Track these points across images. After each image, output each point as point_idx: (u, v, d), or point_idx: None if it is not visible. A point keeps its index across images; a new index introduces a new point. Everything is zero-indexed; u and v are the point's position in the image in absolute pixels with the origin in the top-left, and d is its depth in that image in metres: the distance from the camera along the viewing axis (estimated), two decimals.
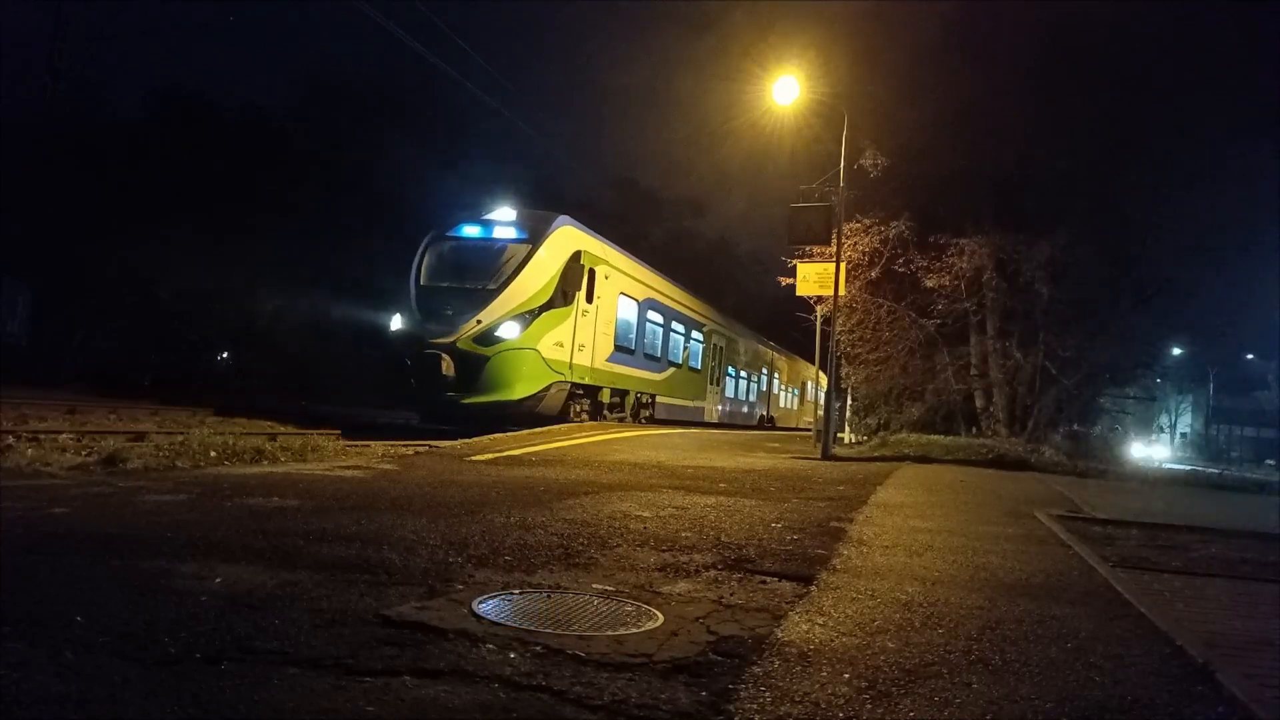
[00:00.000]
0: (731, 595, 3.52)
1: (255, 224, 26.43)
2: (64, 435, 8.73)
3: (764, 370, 32.84)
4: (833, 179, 15.25)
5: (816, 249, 16.43)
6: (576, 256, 14.88)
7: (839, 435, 19.13)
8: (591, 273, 15.43)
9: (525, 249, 14.14)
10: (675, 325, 21.27)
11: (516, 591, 3.34)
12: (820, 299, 16.80)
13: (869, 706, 2.32)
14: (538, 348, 13.59)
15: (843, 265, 14.64)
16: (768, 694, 2.36)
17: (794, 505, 6.75)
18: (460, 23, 57.21)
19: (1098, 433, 20.96)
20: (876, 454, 15.18)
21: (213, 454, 7.26)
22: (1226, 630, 3.49)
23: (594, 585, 3.54)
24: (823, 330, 17.31)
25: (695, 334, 23.17)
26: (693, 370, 23.11)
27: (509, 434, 12.02)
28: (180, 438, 7.53)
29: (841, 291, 14.73)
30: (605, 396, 16.80)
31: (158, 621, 2.63)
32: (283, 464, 7.33)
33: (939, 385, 18.76)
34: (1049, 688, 2.60)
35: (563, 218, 15.15)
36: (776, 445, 15.96)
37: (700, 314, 23.83)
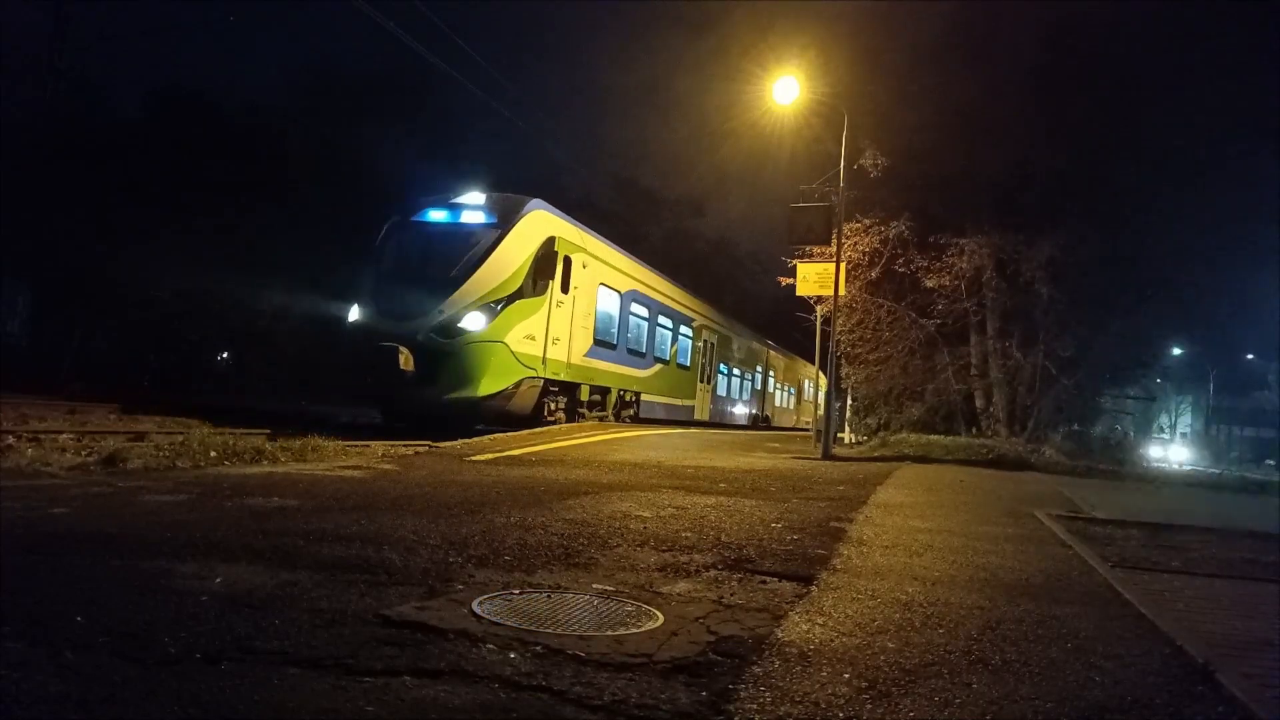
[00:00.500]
0: (732, 595, 3.52)
1: (255, 224, 26.44)
2: (64, 435, 8.73)
3: (758, 368, 31.86)
4: (833, 179, 15.28)
5: (816, 249, 16.44)
6: (550, 242, 13.80)
7: (839, 435, 19.14)
8: (567, 260, 14.35)
9: (493, 234, 13.15)
10: (662, 319, 20.30)
11: (517, 591, 3.34)
12: (820, 299, 16.79)
13: (869, 706, 2.32)
14: (506, 340, 12.54)
15: (843, 265, 14.65)
16: (768, 694, 2.36)
17: (794, 505, 6.75)
18: (460, 23, 57.23)
19: (1100, 433, 20.94)
20: (876, 454, 15.19)
21: (213, 454, 7.25)
22: (1226, 630, 3.49)
23: (594, 585, 3.54)
24: (823, 330, 17.30)
25: (684, 329, 22.18)
26: (681, 367, 22.18)
27: (509, 434, 12.02)
28: (180, 438, 7.53)
29: (841, 291, 14.73)
30: (584, 394, 15.76)
31: (158, 621, 2.63)
32: (283, 464, 7.33)
33: (939, 385, 18.77)
34: (1049, 688, 2.60)
35: (535, 201, 14.16)
36: (776, 445, 15.96)
37: (689, 308, 22.89)
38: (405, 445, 9.70)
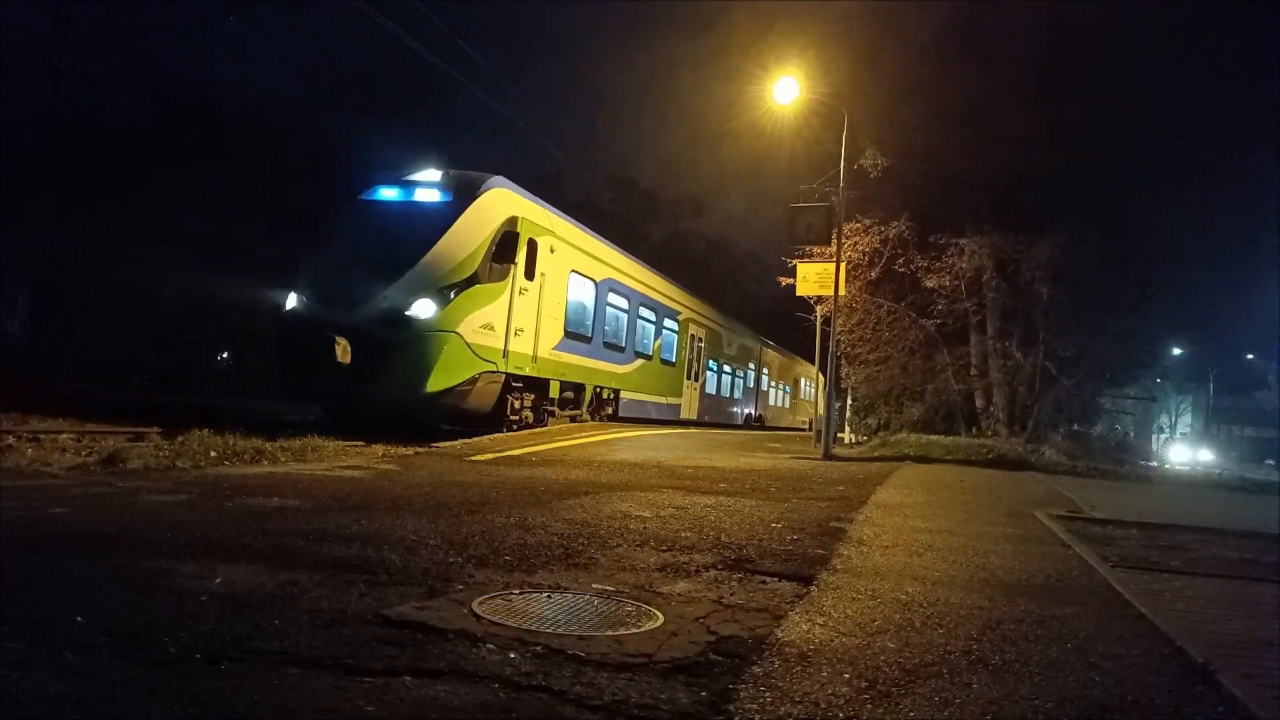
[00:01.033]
0: (731, 595, 3.52)
1: (256, 224, 26.45)
2: (64, 435, 8.72)
3: (751, 365, 30.29)
4: (833, 179, 15.29)
5: (816, 249, 16.46)
6: (512, 223, 12.37)
7: (839, 435, 19.14)
8: (532, 243, 12.94)
9: (447, 213, 11.89)
10: (644, 312, 18.90)
11: (517, 591, 3.34)
12: (820, 299, 16.81)
13: (869, 706, 2.32)
14: (459, 330, 11.21)
15: (843, 265, 14.66)
16: (768, 694, 2.36)
17: (794, 505, 6.75)
18: (460, 23, 57.27)
19: (1101, 433, 20.96)
20: (876, 454, 15.19)
21: (213, 454, 7.26)
22: (1226, 630, 3.49)
23: (594, 585, 3.54)
24: (823, 330, 17.32)
25: (669, 323, 20.80)
26: (666, 363, 20.74)
27: (509, 434, 12.02)
28: (180, 438, 7.53)
29: (841, 291, 14.74)
30: (553, 391, 14.39)
31: (158, 621, 2.63)
32: (283, 464, 7.33)
33: (939, 385, 18.79)
34: (1049, 688, 2.60)
35: (497, 178, 12.82)
36: (776, 445, 15.96)
37: (675, 300, 21.54)
38: (404, 445, 9.70)
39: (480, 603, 3.10)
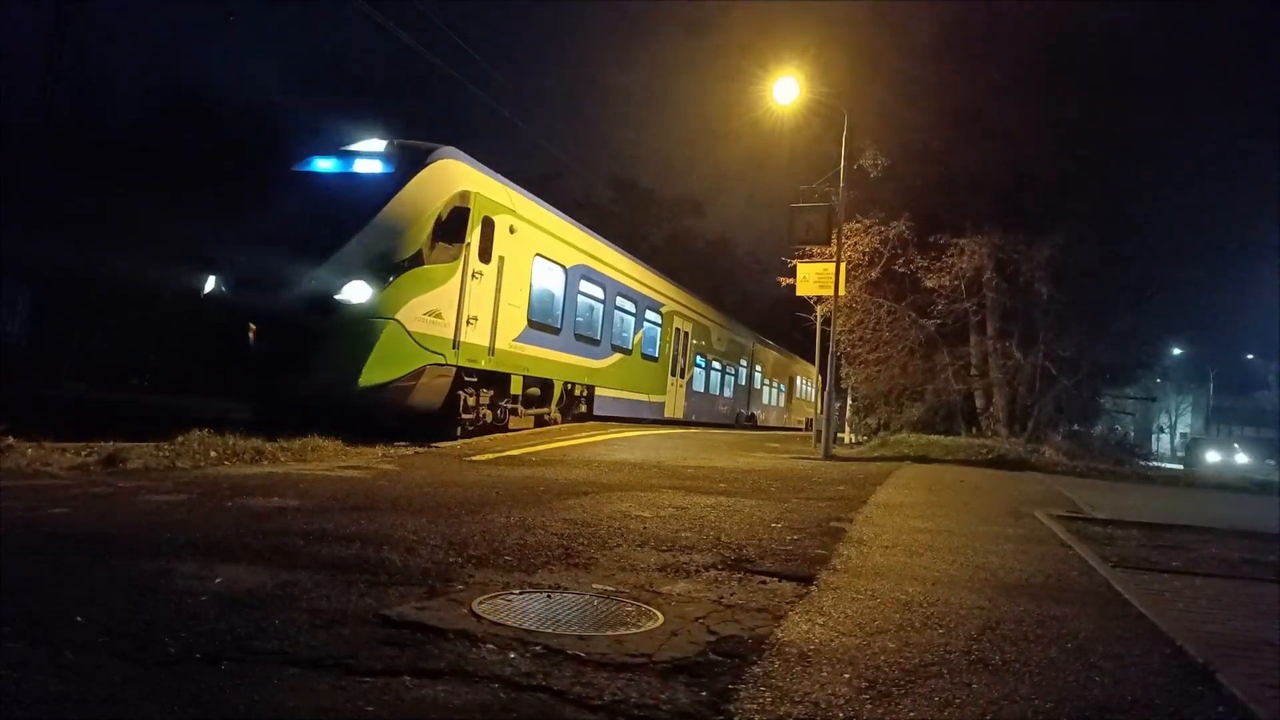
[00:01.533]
0: (731, 595, 3.52)
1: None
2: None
3: (743, 362, 28.89)
4: (833, 179, 15.30)
5: (816, 249, 16.46)
6: (464, 198, 11.16)
7: (839, 435, 19.14)
8: (488, 222, 11.66)
9: (388, 185, 10.67)
10: (622, 302, 17.59)
11: (516, 591, 3.34)
12: (820, 299, 16.83)
13: (869, 706, 2.32)
14: (398, 317, 10.01)
15: (843, 265, 14.67)
16: (768, 694, 2.36)
17: (794, 505, 6.75)
18: (460, 23, 57.24)
19: (1101, 433, 20.95)
20: (876, 454, 15.20)
21: (213, 454, 7.26)
22: (1226, 630, 3.49)
23: (594, 585, 3.55)
24: (823, 330, 17.33)
25: (651, 315, 19.46)
26: (648, 358, 19.42)
27: (509, 434, 12.03)
28: (180, 438, 7.53)
29: (841, 291, 14.75)
30: (516, 387, 13.02)
31: (158, 621, 2.63)
32: (283, 464, 7.33)
33: (939, 385, 18.79)
34: (1049, 688, 2.60)
35: (446, 149, 11.52)
36: (776, 445, 15.97)
37: (658, 291, 20.14)
38: (405, 445, 9.70)
39: (480, 603, 3.10)
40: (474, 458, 8.93)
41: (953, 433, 18.08)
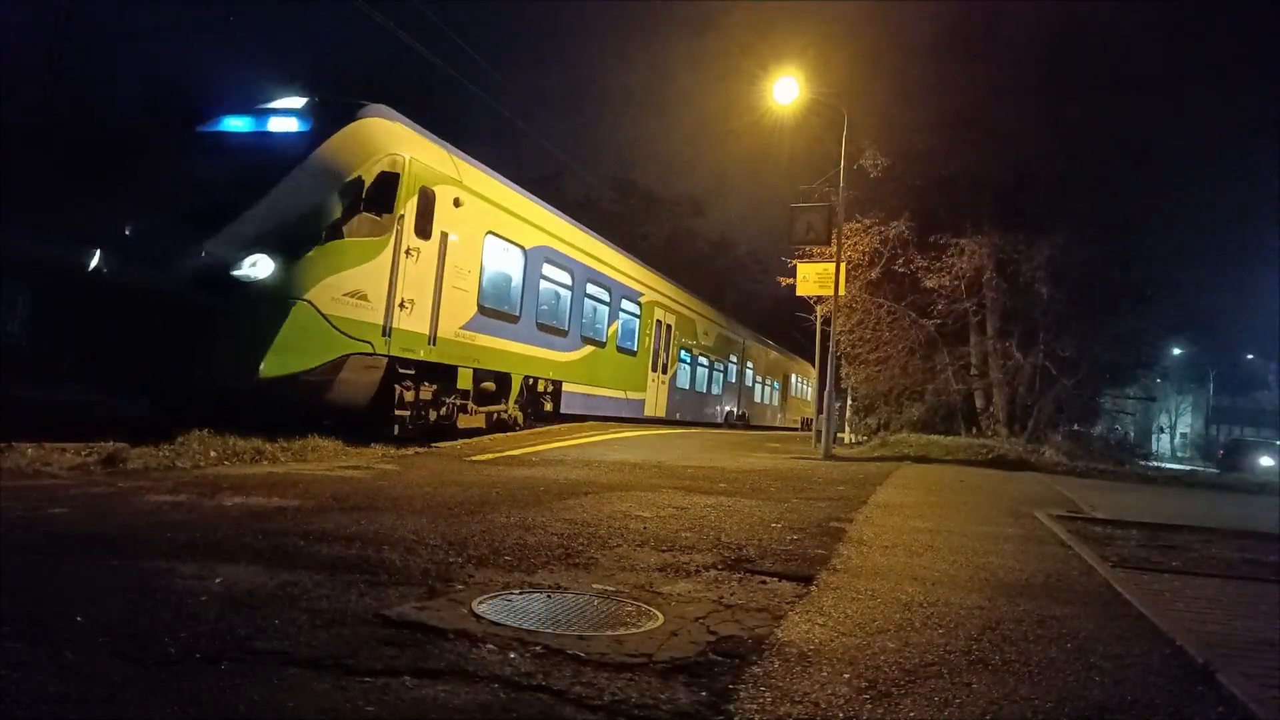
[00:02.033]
0: (731, 595, 3.52)
1: None
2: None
3: (734, 358, 27.37)
4: (833, 179, 15.33)
5: (816, 249, 16.47)
6: (394, 162, 9.74)
7: (839, 435, 19.15)
8: (428, 193, 10.25)
9: (302, 145, 9.25)
10: (594, 290, 16.09)
11: (517, 591, 3.34)
12: (820, 299, 16.85)
13: (869, 706, 2.32)
14: (309, 297, 8.59)
15: (843, 265, 14.68)
16: (768, 694, 2.36)
17: (794, 505, 6.75)
18: (460, 23, 57.23)
19: (1101, 433, 20.95)
20: (876, 454, 15.20)
21: (213, 454, 7.26)
22: (1226, 630, 3.49)
23: (594, 585, 3.54)
24: (822, 330, 17.33)
25: (628, 304, 18.01)
26: (624, 351, 17.93)
27: (509, 434, 12.04)
28: (180, 438, 7.53)
29: (841, 291, 14.76)
30: (465, 381, 11.57)
31: (158, 621, 2.63)
32: (283, 464, 7.33)
33: (939, 385, 18.80)
34: (1049, 688, 2.60)
35: (377, 106, 10.15)
36: (776, 445, 15.98)
37: (636, 280, 18.54)
38: (404, 446, 9.71)
39: (480, 603, 3.10)
40: (474, 458, 8.93)
41: (953, 433, 18.08)
